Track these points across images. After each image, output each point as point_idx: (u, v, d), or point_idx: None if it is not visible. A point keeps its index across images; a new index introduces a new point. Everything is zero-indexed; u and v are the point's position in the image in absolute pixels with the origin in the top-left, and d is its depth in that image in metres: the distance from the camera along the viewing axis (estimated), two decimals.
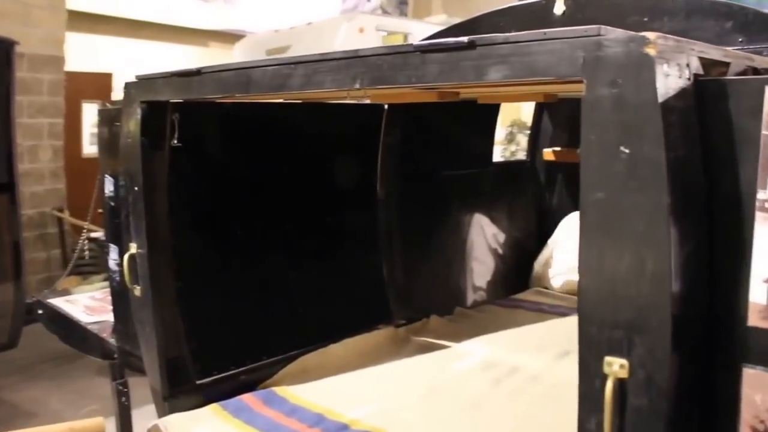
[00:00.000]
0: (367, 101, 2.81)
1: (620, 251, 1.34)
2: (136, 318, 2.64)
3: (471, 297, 3.96)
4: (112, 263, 3.08)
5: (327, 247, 3.29)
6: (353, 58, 1.76)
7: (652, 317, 1.31)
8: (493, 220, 4.16)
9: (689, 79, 1.38)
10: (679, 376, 1.32)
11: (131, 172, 2.53)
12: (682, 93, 1.36)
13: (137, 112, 2.46)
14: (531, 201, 4.42)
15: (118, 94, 5.72)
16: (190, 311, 2.70)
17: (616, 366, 1.34)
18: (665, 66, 1.32)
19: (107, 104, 3.18)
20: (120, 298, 3.09)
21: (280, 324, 3.06)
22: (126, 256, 2.57)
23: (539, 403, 2.65)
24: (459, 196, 3.92)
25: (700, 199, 1.37)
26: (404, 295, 3.57)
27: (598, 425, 1.38)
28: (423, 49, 1.62)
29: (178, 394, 2.63)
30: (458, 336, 3.35)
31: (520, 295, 4.08)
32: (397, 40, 7.61)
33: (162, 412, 2.60)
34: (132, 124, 2.49)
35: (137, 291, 2.58)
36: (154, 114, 2.50)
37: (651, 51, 1.30)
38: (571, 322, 3.39)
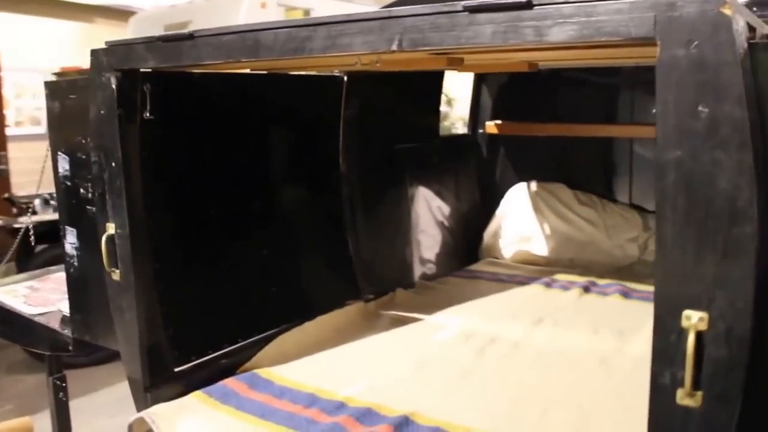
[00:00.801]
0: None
1: (699, 205, 1.35)
2: (113, 304, 2.46)
3: (428, 270, 3.96)
4: (70, 247, 2.85)
5: (296, 225, 3.20)
6: (388, 18, 1.69)
7: (734, 269, 1.33)
8: (443, 194, 4.17)
9: (748, 39, 1.42)
10: (759, 327, 1.35)
11: (106, 148, 2.34)
12: (746, 53, 1.39)
13: (111, 82, 2.28)
14: (475, 174, 4.46)
15: None
16: (167, 295, 2.55)
17: (695, 319, 1.36)
18: (736, 25, 1.34)
19: (54, 76, 2.91)
20: (78, 285, 2.87)
21: (254, 304, 2.96)
22: (104, 238, 2.39)
23: (526, 369, 2.69)
24: (411, 170, 3.91)
25: None
26: (369, 271, 3.53)
27: (673, 378, 1.40)
28: (472, 9, 1.57)
29: (158, 383, 2.49)
30: (426, 308, 3.35)
31: (475, 267, 4.13)
32: (298, 15, 7.52)
33: (143, 404, 2.45)
34: (105, 95, 2.30)
35: (116, 275, 2.40)
36: (129, 84, 2.33)
37: (727, 11, 1.32)
38: (534, 290, 3.54)
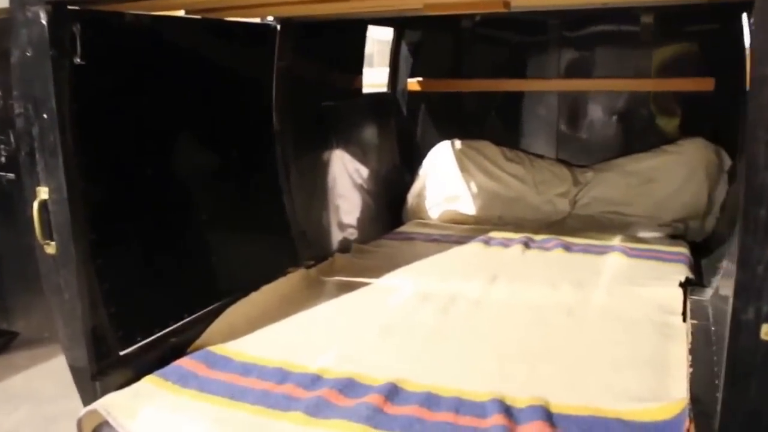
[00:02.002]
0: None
1: None
2: (48, 283, 2.11)
3: (354, 234, 3.79)
4: None
5: (232, 188, 2.93)
6: None
7: None
8: (366, 155, 4.00)
9: None
10: None
11: (35, 97, 1.97)
12: None
13: (40, 17, 1.91)
14: (395, 134, 4.31)
15: None
16: (107, 269, 2.23)
17: None
18: None
19: None
20: None
21: (197, 275, 2.68)
22: (35, 204, 2.03)
23: (498, 326, 2.61)
24: (336, 129, 3.71)
25: None
26: (306, 236, 3.31)
27: (758, 313, 1.34)
28: None
29: (105, 370, 2.17)
30: (370, 272, 3.19)
31: (406, 228, 4.00)
32: None
33: (91, 395, 2.13)
34: (32, 33, 1.93)
35: (50, 248, 2.06)
36: (59, 21, 1.97)
37: None
38: (474, 249, 3.45)
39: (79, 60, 2.08)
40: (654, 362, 2.27)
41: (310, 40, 3.26)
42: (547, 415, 1.94)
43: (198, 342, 2.47)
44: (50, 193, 2.02)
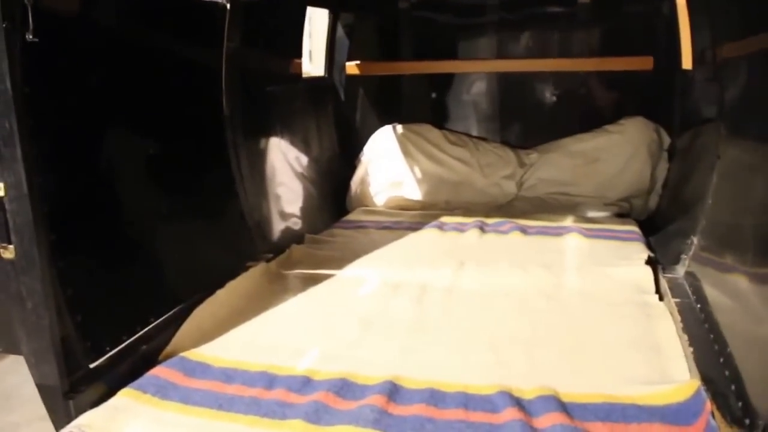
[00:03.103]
0: None
1: None
2: (6, 292, 1.85)
3: (305, 222, 3.63)
4: None
5: (188, 179, 2.71)
6: None
7: None
8: (307, 141, 3.85)
9: None
10: None
11: None
12: None
13: None
14: (332, 119, 4.16)
15: None
16: (69, 273, 1.98)
17: None
18: None
19: None
20: None
21: (159, 275, 2.47)
22: None
23: (479, 314, 2.54)
24: (279, 115, 3.53)
25: None
26: (260, 226, 3.13)
27: None
28: None
29: (76, 386, 1.94)
30: (330, 263, 3.05)
31: (354, 216, 3.86)
32: None
33: (64, 416, 1.89)
34: None
35: (8, 252, 1.80)
36: None
37: None
38: (430, 235, 3.37)
39: (30, 37, 1.82)
40: (645, 344, 2.26)
41: (253, 21, 3.07)
42: (559, 405, 1.88)
43: (169, 348, 2.26)
44: (6, 188, 1.77)
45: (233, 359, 2.20)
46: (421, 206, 3.96)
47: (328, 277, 2.89)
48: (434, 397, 1.95)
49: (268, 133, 3.39)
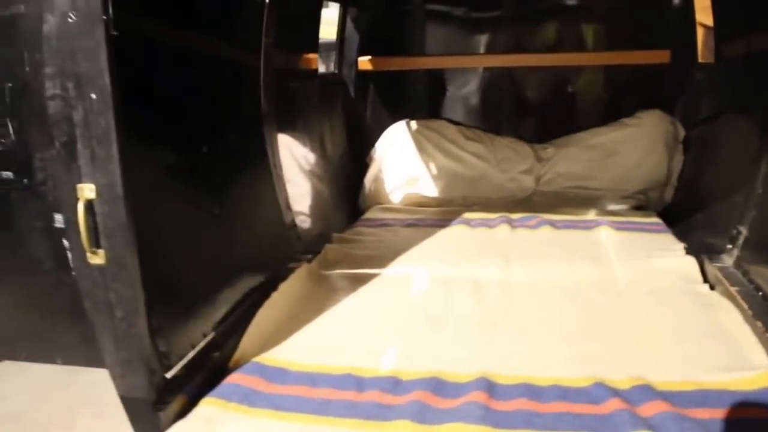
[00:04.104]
0: None
1: None
2: (92, 299, 1.73)
3: (323, 221, 3.54)
4: None
5: (234, 180, 2.62)
6: None
7: None
8: (322, 138, 3.76)
9: None
10: None
11: (78, 73, 1.60)
12: None
13: None
14: (343, 115, 4.08)
15: None
16: (149, 277, 1.88)
17: None
18: None
19: None
20: None
21: (215, 280, 2.35)
22: (81, 206, 1.65)
23: (543, 308, 2.52)
24: (300, 112, 3.45)
25: None
26: (296, 225, 3.04)
27: None
28: None
29: (162, 397, 1.84)
30: (369, 262, 2.99)
31: (373, 215, 3.79)
32: None
33: (151, 429, 1.79)
34: None
35: (98, 257, 1.69)
36: None
37: None
38: (460, 231, 3.34)
39: (113, 31, 1.71)
40: (715, 331, 2.27)
41: (291, 13, 2.99)
42: (657, 393, 1.88)
43: (238, 354, 2.17)
44: (99, 190, 1.65)
45: (310, 363, 2.13)
46: (438, 203, 3.92)
47: (373, 276, 2.83)
48: (531, 391, 1.93)
49: (293, 131, 3.30)
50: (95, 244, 1.68)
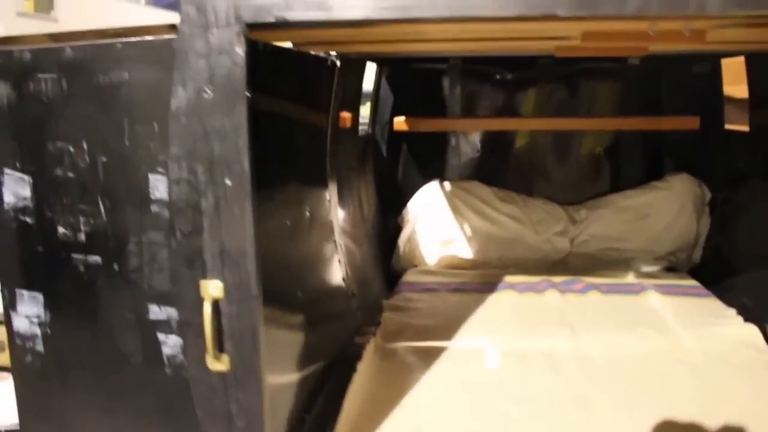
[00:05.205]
0: None
1: None
2: (208, 409, 1.63)
3: (368, 284, 3.47)
4: (25, 324, 1.84)
5: (305, 244, 2.55)
6: None
7: None
8: (358, 198, 3.70)
9: None
10: None
11: (212, 156, 1.52)
12: None
13: (234, 46, 1.48)
14: (375, 175, 4.04)
15: None
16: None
17: None
18: None
19: None
20: (42, 383, 1.88)
21: (301, 352, 2.26)
22: (207, 306, 1.55)
23: (625, 382, 2.50)
24: (344, 171, 3.39)
25: None
26: (356, 295, 2.98)
27: None
28: None
29: None
30: (431, 334, 2.92)
31: (412, 278, 3.72)
32: None
33: None
34: (217, 66, 1.48)
35: (222, 363, 1.59)
36: (254, 52, 1.54)
37: None
38: (510, 298, 3.30)
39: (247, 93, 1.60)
40: None
41: (355, 74, 3.05)
42: None
43: None
44: (227, 288, 1.57)
45: None
46: (474, 265, 3.88)
47: (441, 350, 2.77)
48: None
49: (342, 191, 3.25)
50: (218, 347, 1.58)
